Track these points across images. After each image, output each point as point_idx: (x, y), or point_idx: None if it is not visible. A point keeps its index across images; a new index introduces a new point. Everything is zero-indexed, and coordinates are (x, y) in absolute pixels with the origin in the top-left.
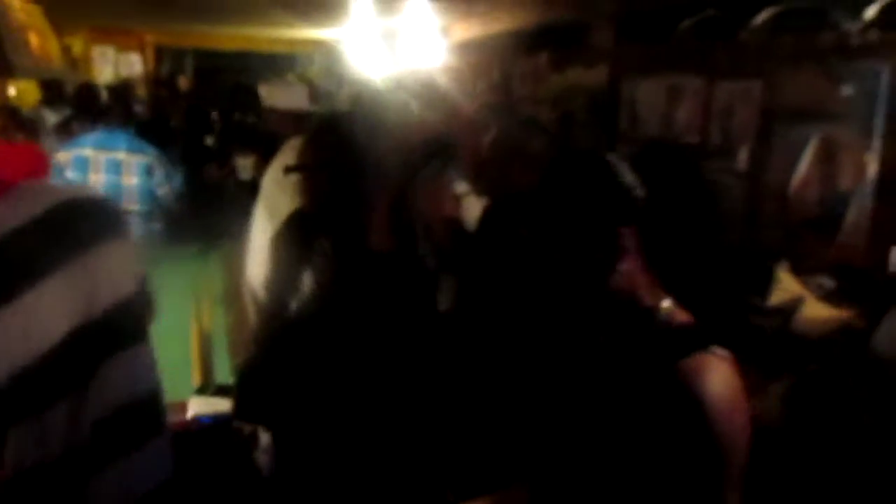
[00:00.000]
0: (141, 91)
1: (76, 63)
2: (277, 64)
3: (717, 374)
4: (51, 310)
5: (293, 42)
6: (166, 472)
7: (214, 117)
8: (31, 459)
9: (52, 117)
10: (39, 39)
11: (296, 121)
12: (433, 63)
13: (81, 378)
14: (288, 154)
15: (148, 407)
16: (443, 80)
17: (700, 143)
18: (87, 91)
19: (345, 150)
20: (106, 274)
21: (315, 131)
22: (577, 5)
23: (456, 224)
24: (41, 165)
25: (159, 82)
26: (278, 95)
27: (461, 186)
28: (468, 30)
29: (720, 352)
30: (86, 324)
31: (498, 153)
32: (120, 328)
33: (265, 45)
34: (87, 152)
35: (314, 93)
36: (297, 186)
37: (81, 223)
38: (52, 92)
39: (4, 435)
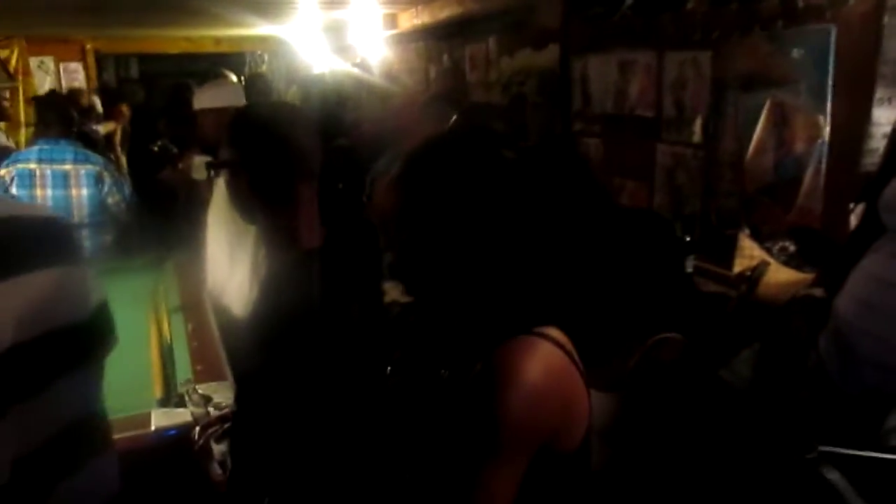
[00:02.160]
0: (85, 100)
1: (13, 75)
2: (226, 64)
3: (522, 355)
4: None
5: (239, 41)
6: (111, 490)
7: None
8: None
9: None
10: None
11: (222, 118)
12: (381, 53)
13: (17, 397)
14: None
15: (92, 427)
16: (391, 71)
17: (654, 116)
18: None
19: (265, 143)
20: (49, 298)
21: (233, 125)
22: None
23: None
24: None
25: (104, 92)
26: (210, 95)
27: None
28: (416, 17)
29: (549, 332)
30: (17, 345)
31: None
32: (63, 352)
33: (210, 46)
34: (31, 166)
35: (263, 89)
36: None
37: (26, 244)
38: None
39: None
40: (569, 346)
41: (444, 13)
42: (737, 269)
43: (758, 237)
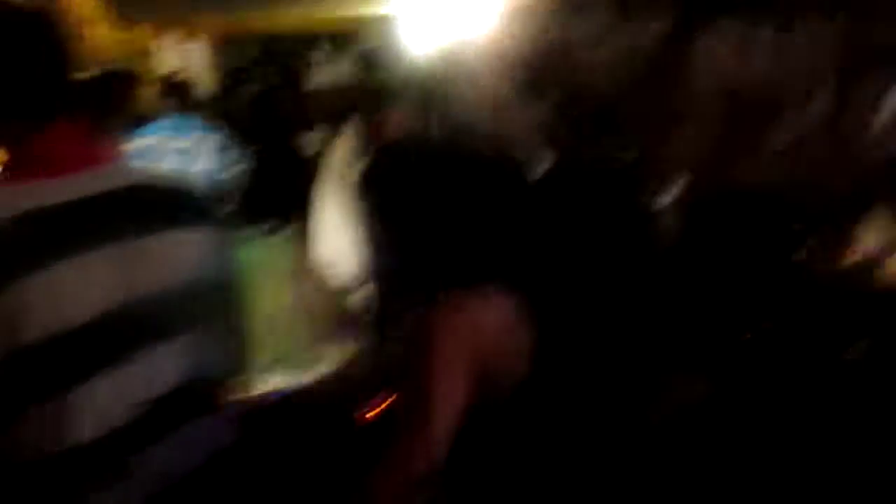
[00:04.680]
0: (206, 79)
1: (142, 55)
2: (339, 44)
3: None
4: (92, 281)
5: (353, 20)
6: (220, 444)
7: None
8: (63, 438)
9: None
10: (102, 31)
11: (343, 96)
12: (491, 31)
13: (118, 356)
14: (351, 133)
15: (194, 391)
16: (500, 49)
17: (774, 94)
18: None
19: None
20: (167, 259)
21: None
22: None
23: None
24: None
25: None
26: (324, 74)
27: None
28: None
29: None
30: (126, 304)
31: (558, 120)
32: (171, 315)
33: (326, 26)
34: (153, 140)
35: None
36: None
37: (154, 206)
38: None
39: (25, 410)
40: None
41: None
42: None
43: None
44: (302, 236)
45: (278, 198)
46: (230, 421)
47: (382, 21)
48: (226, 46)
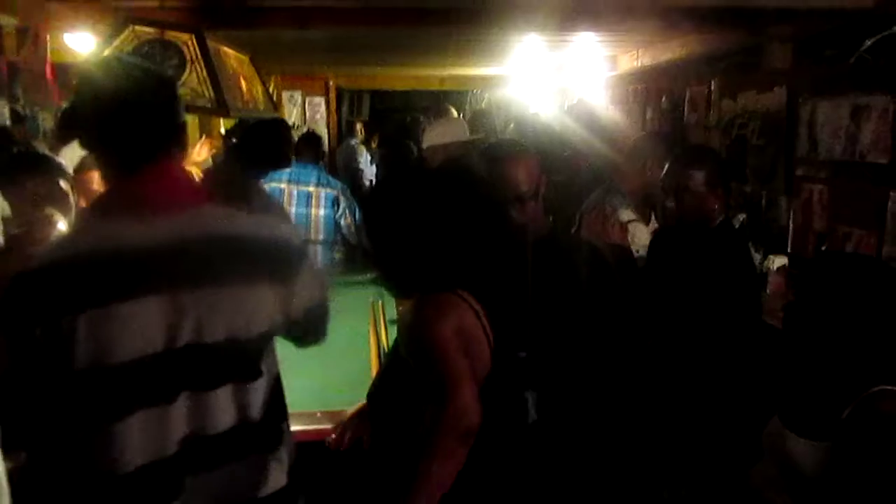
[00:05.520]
0: (323, 129)
1: (276, 105)
2: (448, 100)
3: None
4: (142, 324)
5: (463, 79)
6: (256, 490)
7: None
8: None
9: None
10: (248, 84)
11: (456, 153)
12: (599, 94)
13: (161, 396)
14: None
15: (247, 432)
16: (609, 111)
17: (888, 162)
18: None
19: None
20: (223, 310)
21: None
22: (753, 30)
23: (623, 250)
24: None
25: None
26: (437, 132)
27: (627, 214)
28: (636, 59)
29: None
30: (171, 350)
31: (666, 182)
32: (218, 364)
33: (436, 84)
34: (283, 185)
35: (481, 125)
36: None
37: (223, 257)
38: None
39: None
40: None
41: (665, 55)
42: None
43: None
44: None
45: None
46: (282, 462)
47: (495, 80)
48: (344, 101)
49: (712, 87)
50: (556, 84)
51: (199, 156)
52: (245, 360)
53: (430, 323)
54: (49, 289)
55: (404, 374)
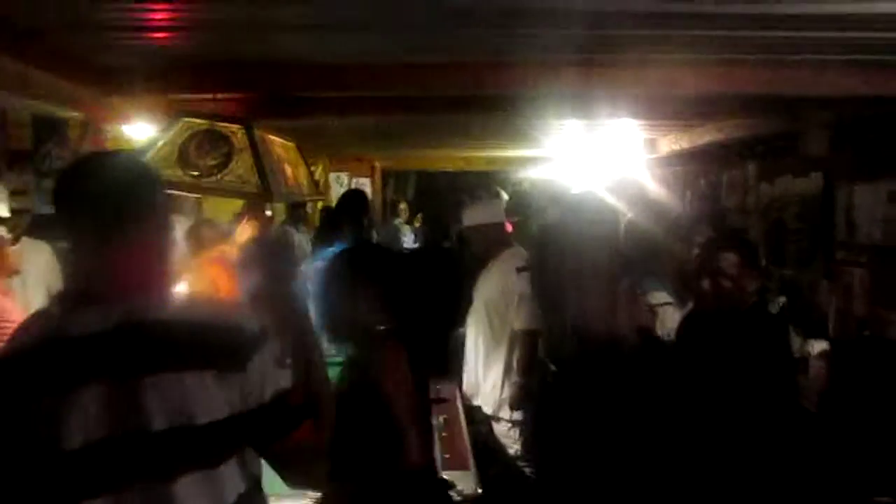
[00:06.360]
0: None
1: (321, 187)
2: (491, 180)
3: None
4: (82, 414)
5: (507, 160)
6: None
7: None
8: None
9: (295, 235)
10: (292, 170)
11: (492, 233)
12: (639, 176)
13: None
14: (508, 260)
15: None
16: (648, 193)
17: None
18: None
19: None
20: (161, 399)
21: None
22: (791, 116)
23: (648, 333)
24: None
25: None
26: (476, 213)
27: (658, 296)
28: (675, 143)
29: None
30: (112, 439)
31: (703, 266)
32: (160, 453)
33: (482, 165)
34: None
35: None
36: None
37: (157, 344)
38: (298, 213)
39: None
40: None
41: (703, 139)
42: None
43: None
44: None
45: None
46: None
47: (537, 161)
48: (387, 180)
49: (749, 172)
50: (597, 166)
51: (242, 236)
52: (202, 450)
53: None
54: (8, 378)
55: None
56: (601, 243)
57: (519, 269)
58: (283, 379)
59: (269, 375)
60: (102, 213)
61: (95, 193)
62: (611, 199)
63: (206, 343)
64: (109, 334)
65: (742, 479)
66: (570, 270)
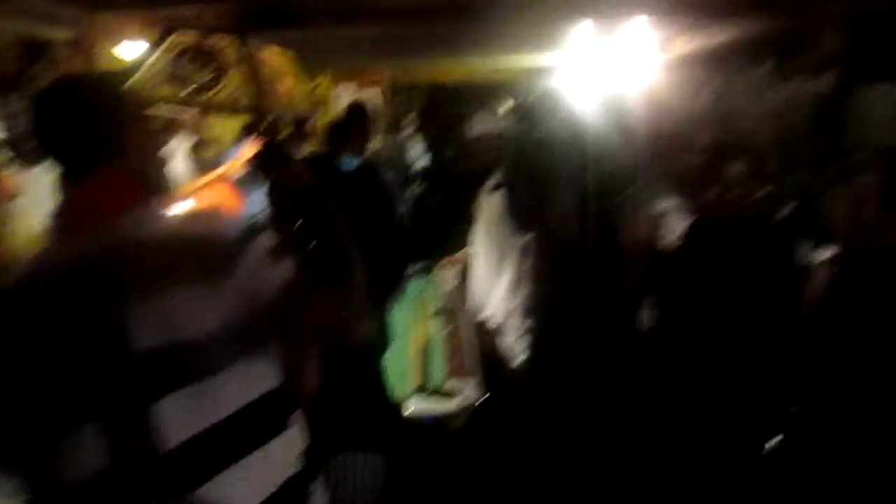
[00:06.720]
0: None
1: (322, 102)
2: (498, 94)
3: None
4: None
5: (513, 71)
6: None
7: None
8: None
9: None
10: (288, 84)
11: (493, 145)
12: (650, 81)
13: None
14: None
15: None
16: (657, 98)
17: None
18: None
19: (540, 170)
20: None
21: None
22: (806, 13)
23: (650, 244)
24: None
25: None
26: (481, 124)
27: (660, 204)
28: (687, 44)
29: None
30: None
31: (708, 172)
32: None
33: (484, 76)
34: None
35: (530, 118)
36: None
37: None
38: (298, 128)
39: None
40: None
41: (716, 39)
42: None
43: None
44: (451, 276)
45: (439, 238)
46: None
47: (542, 72)
48: (395, 95)
49: (762, 72)
50: (608, 72)
51: (243, 156)
52: (195, 365)
53: None
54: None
55: None
56: (569, 162)
57: (492, 188)
58: (284, 270)
59: (263, 272)
60: (67, 139)
61: (58, 119)
62: (617, 108)
63: (188, 256)
64: (89, 260)
65: (743, 380)
66: (539, 187)
